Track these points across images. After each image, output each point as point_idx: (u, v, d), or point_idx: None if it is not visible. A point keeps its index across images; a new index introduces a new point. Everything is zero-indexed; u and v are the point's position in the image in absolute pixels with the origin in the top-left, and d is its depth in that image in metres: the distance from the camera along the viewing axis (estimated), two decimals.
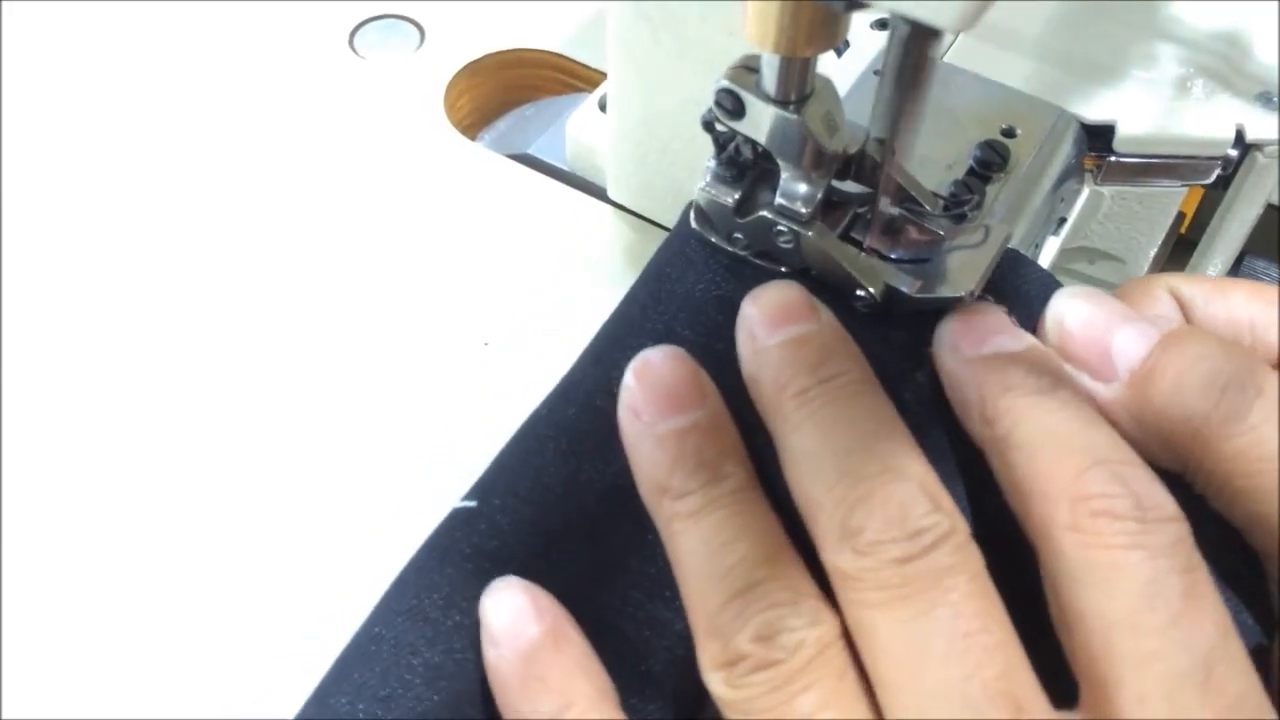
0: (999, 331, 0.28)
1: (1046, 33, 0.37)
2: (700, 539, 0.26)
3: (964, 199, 0.33)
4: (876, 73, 0.36)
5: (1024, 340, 0.28)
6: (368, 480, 0.44)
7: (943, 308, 0.30)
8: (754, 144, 0.29)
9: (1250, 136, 0.36)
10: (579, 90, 0.60)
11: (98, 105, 0.56)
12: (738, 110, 0.28)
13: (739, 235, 0.30)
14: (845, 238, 0.30)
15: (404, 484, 0.44)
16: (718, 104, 0.28)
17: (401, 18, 0.60)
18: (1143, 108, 0.36)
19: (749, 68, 0.28)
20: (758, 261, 0.31)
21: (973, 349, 0.28)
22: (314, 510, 0.43)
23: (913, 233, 0.31)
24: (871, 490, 0.25)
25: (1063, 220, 0.37)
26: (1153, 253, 0.41)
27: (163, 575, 0.42)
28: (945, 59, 0.36)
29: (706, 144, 0.33)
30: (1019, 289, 0.30)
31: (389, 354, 0.48)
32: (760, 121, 0.28)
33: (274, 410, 0.46)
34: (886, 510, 0.25)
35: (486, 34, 0.60)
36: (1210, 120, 0.36)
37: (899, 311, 0.30)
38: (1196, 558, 0.25)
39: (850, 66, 0.37)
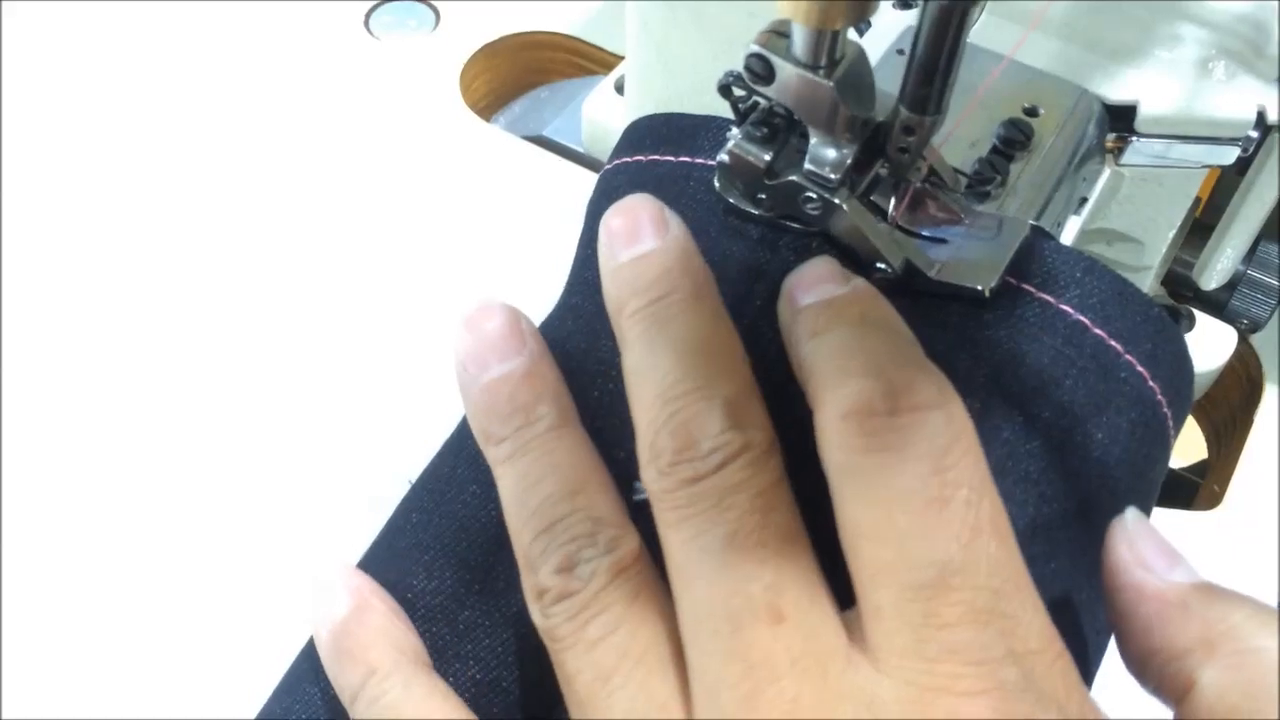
0: (827, 279, 0.28)
1: (1069, 13, 0.37)
2: (514, 481, 0.27)
3: (988, 177, 0.33)
4: (900, 52, 0.36)
5: (849, 284, 0.28)
6: (376, 474, 0.44)
7: (958, 295, 0.30)
8: (783, 110, 0.29)
9: (1271, 118, 0.36)
10: (593, 73, 0.60)
11: (118, 88, 0.56)
12: (767, 75, 0.28)
13: (763, 196, 0.30)
14: (864, 200, 0.30)
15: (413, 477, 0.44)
16: (747, 69, 0.28)
17: None
18: (1164, 88, 0.36)
19: (779, 33, 0.28)
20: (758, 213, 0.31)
21: (803, 298, 0.28)
22: (320, 506, 0.43)
23: (933, 207, 0.31)
24: (676, 411, 0.26)
25: (1084, 200, 0.37)
26: (1171, 235, 0.41)
27: (163, 575, 0.42)
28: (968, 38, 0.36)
29: None
30: (1043, 264, 0.30)
31: (404, 336, 0.48)
32: (789, 87, 0.28)
33: (283, 400, 0.46)
34: (685, 431, 0.25)
35: (501, 16, 0.60)
36: (1231, 102, 0.36)
37: (916, 289, 0.30)
38: (960, 456, 0.24)
39: (872, 46, 0.37)
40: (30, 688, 0.39)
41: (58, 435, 0.45)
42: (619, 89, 0.52)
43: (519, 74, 0.60)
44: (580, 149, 0.55)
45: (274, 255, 0.50)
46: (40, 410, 0.45)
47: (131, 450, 0.44)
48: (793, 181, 0.29)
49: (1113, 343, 0.30)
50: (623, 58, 0.55)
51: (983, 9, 0.36)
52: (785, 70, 0.28)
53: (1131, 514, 0.27)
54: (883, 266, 0.30)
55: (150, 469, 0.44)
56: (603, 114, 0.52)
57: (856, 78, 0.28)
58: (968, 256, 0.30)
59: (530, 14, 0.60)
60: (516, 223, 0.51)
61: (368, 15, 0.60)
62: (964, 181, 0.33)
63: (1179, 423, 0.32)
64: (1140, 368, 0.30)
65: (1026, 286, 0.30)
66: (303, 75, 0.57)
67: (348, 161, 0.54)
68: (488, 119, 0.58)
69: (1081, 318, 0.30)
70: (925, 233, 0.31)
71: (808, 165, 0.29)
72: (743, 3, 0.40)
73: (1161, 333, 0.31)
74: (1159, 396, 0.31)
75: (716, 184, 0.31)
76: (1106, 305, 0.30)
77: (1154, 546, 0.26)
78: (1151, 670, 0.26)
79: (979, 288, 0.29)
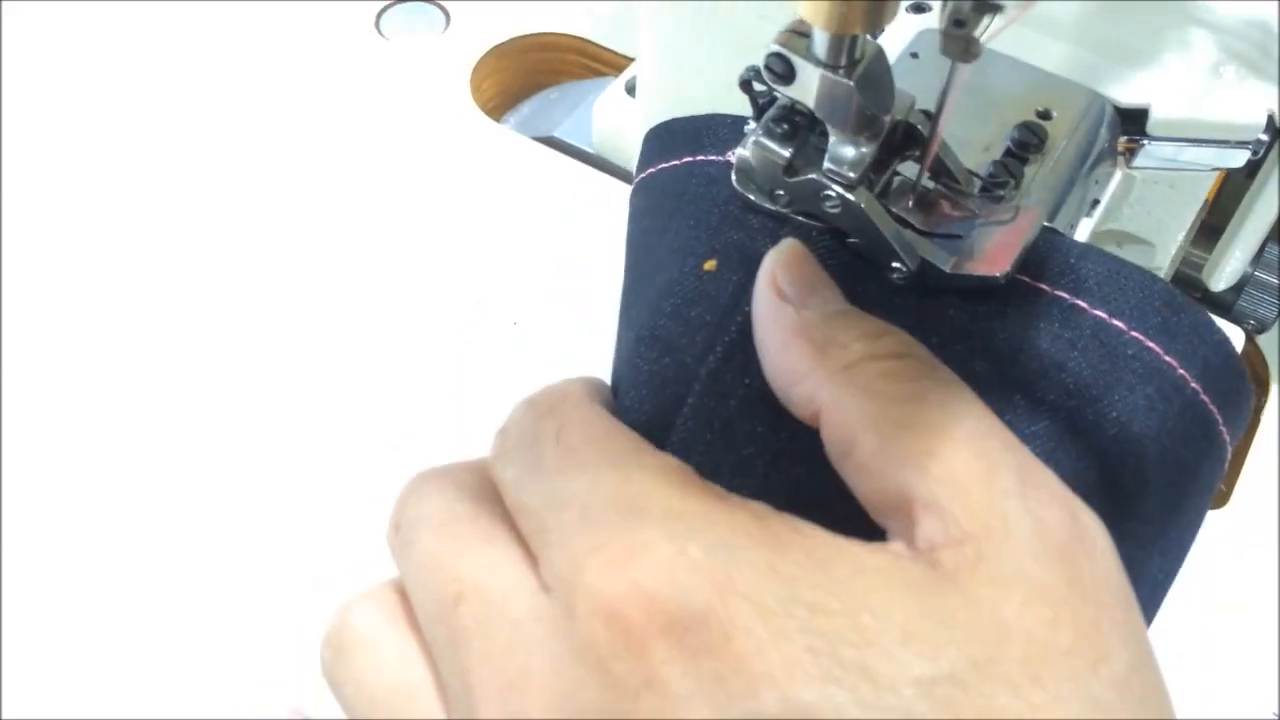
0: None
1: (1082, 17, 0.37)
2: None
3: (1002, 180, 0.33)
4: (914, 55, 0.36)
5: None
6: (386, 470, 0.44)
7: (977, 286, 0.30)
8: (804, 108, 0.29)
9: None
10: (603, 74, 0.60)
11: (127, 89, 0.56)
12: (788, 74, 0.28)
13: (781, 193, 0.30)
14: (882, 200, 0.30)
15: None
16: (767, 68, 0.28)
17: (427, 0, 0.61)
18: (1175, 92, 0.37)
19: (799, 32, 0.28)
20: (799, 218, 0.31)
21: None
22: (327, 503, 0.44)
23: (946, 207, 0.31)
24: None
25: (1096, 202, 0.38)
26: (1180, 237, 0.41)
27: (161, 574, 0.42)
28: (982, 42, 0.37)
29: None
30: (1036, 253, 0.31)
31: (413, 336, 0.48)
32: (810, 86, 0.28)
33: (292, 399, 0.46)
34: None
35: (511, 17, 0.60)
36: (1241, 105, 0.37)
37: (933, 287, 0.30)
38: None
39: (886, 51, 0.37)
40: (30, 688, 0.39)
41: (59, 435, 0.45)
42: (630, 90, 0.53)
43: (529, 75, 0.60)
44: (590, 150, 0.55)
45: (284, 255, 0.50)
46: (43, 408, 0.45)
47: (133, 447, 0.45)
48: (812, 179, 0.29)
49: (1115, 321, 0.30)
50: (632, 59, 0.55)
51: (993, 18, 0.37)
52: (806, 70, 0.28)
53: (779, 246, 0.28)
54: (898, 265, 0.30)
55: (152, 466, 0.44)
56: (613, 115, 0.52)
57: (876, 77, 0.28)
58: (982, 247, 0.30)
59: (540, 15, 0.60)
60: (526, 223, 0.52)
61: (378, 16, 0.60)
62: (977, 184, 0.33)
63: (1226, 392, 0.31)
64: (1150, 343, 0.30)
65: (1021, 277, 0.30)
66: (313, 76, 0.57)
67: (358, 162, 0.54)
68: (498, 119, 0.58)
69: (1078, 301, 0.30)
70: (939, 231, 0.31)
71: (827, 163, 0.29)
72: (755, 3, 0.40)
73: (1170, 305, 0.30)
74: (1180, 371, 0.31)
75: (734, 179, 0.31)
76: (1103, 286, 0.30)
77: (794, 277, 0.27)
78: (785, 398, 0.26)
79: (995, 274, 0.30)
